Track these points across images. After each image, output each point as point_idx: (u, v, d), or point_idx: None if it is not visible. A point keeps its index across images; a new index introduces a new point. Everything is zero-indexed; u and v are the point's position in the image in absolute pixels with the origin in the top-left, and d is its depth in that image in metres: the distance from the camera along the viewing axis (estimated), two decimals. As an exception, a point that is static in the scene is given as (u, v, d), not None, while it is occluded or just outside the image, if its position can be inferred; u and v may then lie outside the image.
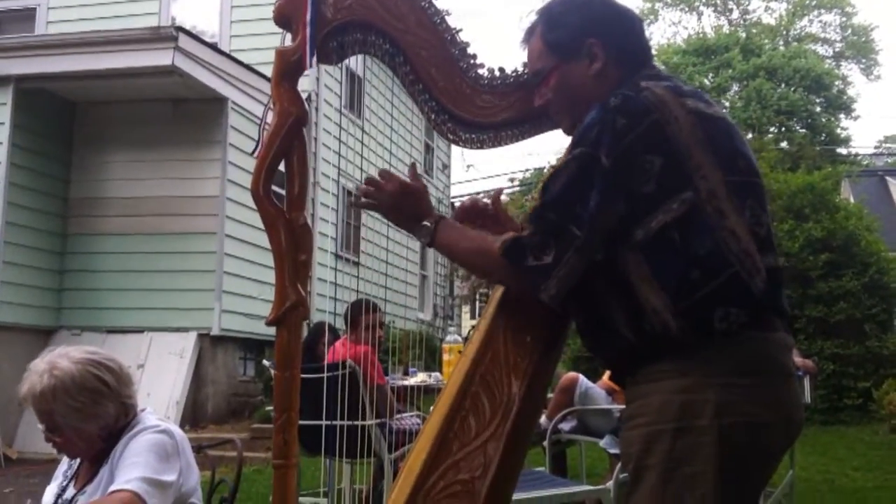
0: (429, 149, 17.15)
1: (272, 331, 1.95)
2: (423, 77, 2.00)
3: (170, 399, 9.32)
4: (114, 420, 2.34)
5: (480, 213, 2.16)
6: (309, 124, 11.66)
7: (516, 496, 3.16)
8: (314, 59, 1.94)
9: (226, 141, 10.19)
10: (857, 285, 11.03)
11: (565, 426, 5.39)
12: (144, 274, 10.15)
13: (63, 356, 2.32)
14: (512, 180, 27.37)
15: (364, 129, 12.25)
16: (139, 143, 10.47)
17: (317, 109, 12.05)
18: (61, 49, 9.59)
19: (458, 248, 1.94)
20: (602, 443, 5.05)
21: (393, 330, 9.58)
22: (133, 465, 2.23)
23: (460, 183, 32.12)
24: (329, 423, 4.30)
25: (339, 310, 6.00)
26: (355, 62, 11.63)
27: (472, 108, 2.02)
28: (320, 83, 12.10)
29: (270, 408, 1.98)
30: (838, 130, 30.13)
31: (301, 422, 4.42)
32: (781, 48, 31.11)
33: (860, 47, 34.11)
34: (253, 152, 1.97)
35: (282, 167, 1.98)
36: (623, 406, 1.91)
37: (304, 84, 11.54)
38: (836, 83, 30.33)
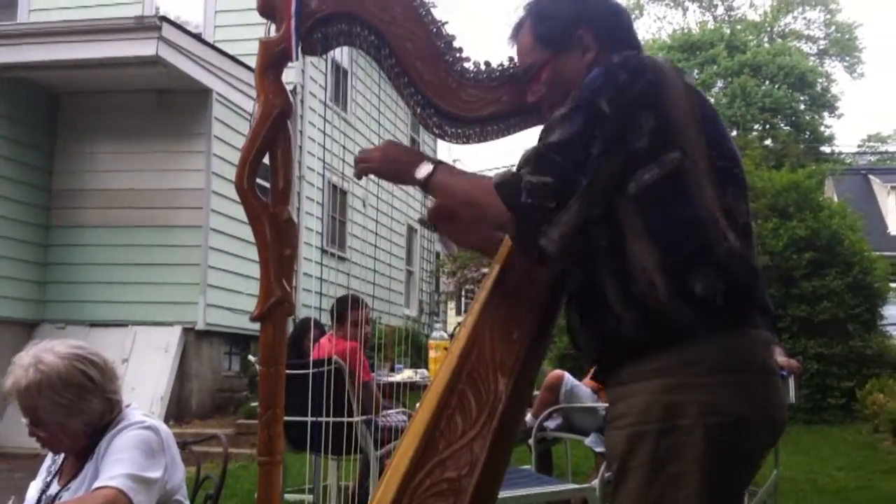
0: (415, 143, 17.12)
1: (258, 326, 1.93)
2: (408, 70, 1.98)
3: (154, 394, 9.27)
4: (99, 416, 2.32)
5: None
6: (294, 117, 11.63)
7: (502, 495, 3.14)
8: (299, 50, 1.92)
9: (210, 133, 10.14)
10: (841, 285, 11.10)
11: (551, 424, 5.39)
12: (129, 267, 10.09)
13: (48, 350, 2.29)
14: (498, 175, 27.43)
15: (350, 122, 12.25)
16: (123, 134, 10.40)
17: (302, 102, 12.01)
18: (44, 38, 9.51)
19: (456, 186, 1.88)
20: (587, 441, 5.05)
21: (379, 326, 9.57)
22: (118, 462, 2.21)
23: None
24: (315, 419, 4.28)
25: (325, 305, 5.98)
26: (342, 55, 11.62)
27: (458, 102, 2.00)
28: (306, 75, 12.06)
29: (255, 403, 1.96)
30: (822, 128, 30.32)
31: (287, 418, 4.41)
32: (766, 45, 31.27)
33: (844, 45, 34.34)
34: (244, 147, 1.95)
35: (267, 160, 1.95)
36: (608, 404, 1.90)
37: (290, 76, 11.49)
38: (820, 81, 30.52)
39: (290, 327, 6.45)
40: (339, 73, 12.74)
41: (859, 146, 36.67)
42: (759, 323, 1.75)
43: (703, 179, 1.71)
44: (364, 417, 4.67)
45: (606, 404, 1.91)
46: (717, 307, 1.67)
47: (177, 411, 9.71)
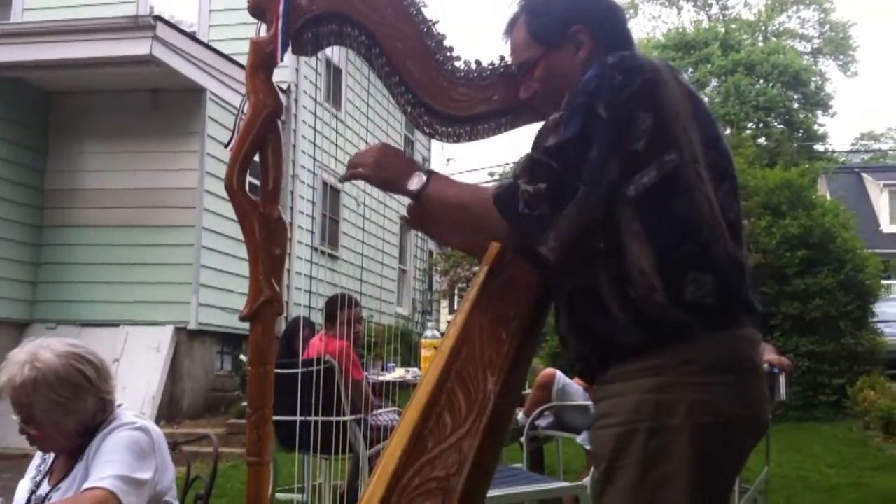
0: (409, 142, 17.12)
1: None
2: (399, 69, 1.98)
3: (146, 394, 9.24)
4: (92, 416, 2.32)
5: None
6: (288, 116, 11.63)
7: (494, 493, 3.16)
8: (287, 51, 1.92)
9: (204, 132, 10.12)
10: (833, 282, 11.10)
11: (542, 422, 5.39)
12: (121, 267, 10.06)
13: (45, 348, 2.28)
14: (492, 175, 27.40)
15: (344, 121, 12.25)
16: (116, 134, 10.37)
17: (296, 101, 11.99)
18: (37, 37, 9.49)
19: (450, 198, 1.86)
20: (579, 439, 5.05)
21: (371, 325, 9.56)
22: (108, 463, 2.21)
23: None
24: (305, 418, 4.28)
25: (317, 304, 5.97)
26: (335, 54, 11.60)
27: (449, 100, 2.00)
28: (300, 74, 12.04)
29: (247, 403, 1.96)
30: (816, 127, 30.38)
31: (278, 417, 4.40)
32: (760, 44, 31.33)
33: (838, 44, 34.42)
34: (227, 144, 1.94)
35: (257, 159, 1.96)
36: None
37: (284, 75, 11.49)
38: (814, 79, 30.60)
39: (283, 326, 6.45)
40: (334, 73, 12.73)
41: (852, 144, 36.80)
42: (745, 322, 1.76)
43: (700, 179, 1.71)
44: (355, 416, 4.67)
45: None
46: (707, 309, 1.68)
47: (168, 411, 9.69)
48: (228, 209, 1.94)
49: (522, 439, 5.17)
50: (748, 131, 26.66)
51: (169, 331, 9.85)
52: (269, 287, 1.90)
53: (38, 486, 2.41)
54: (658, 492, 1.65)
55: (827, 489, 6.63)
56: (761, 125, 28.23)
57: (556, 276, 1.83)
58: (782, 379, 4.76)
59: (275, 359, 1.97)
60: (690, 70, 29.62)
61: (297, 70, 11.92)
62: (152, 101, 10.29)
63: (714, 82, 29.60)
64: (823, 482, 6.91)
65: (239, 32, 10.32)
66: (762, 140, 25.62)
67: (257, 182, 1.92)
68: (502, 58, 2.01)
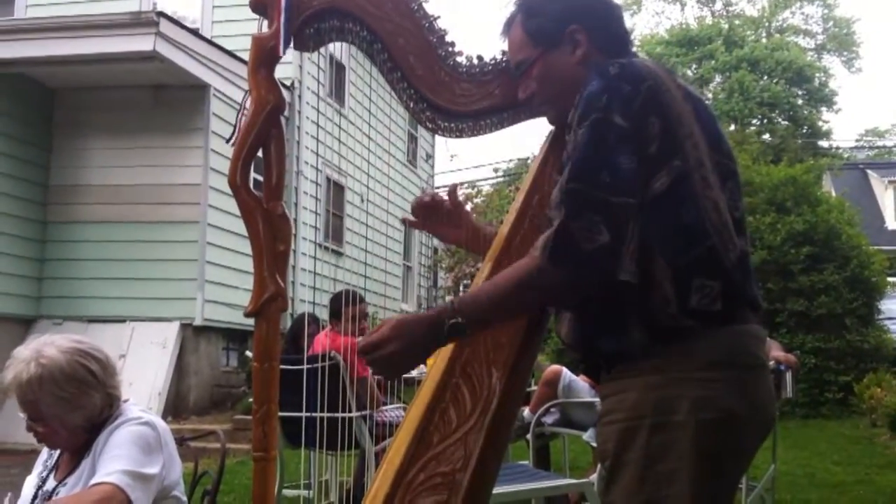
0: (412, 138, 17.12)
1: (256, 321, 1.93)
2: (401, 65, 1.98)
3: (152, 390, 9.26)
4: (98, 411, 2.32)
5: (437, 207, 2.15)
6: (292, 112, 11.62)
7: (501, 490, 3.15)
8: (289, 46, 1.91)
9: (208, 128, 10.13)
10: (839, 279, 11.10)
11: (549, 419, 5.38)
12: (126, 263, 10.09)
13: (49, 344, 2.28)
14: (496, 171, 27.41)
15: (347, 117, 12.24)
16: (120, 130, 10.39)
17: (300, 97, 12.00)
18: (41, 34, 9.49)
19: (498, 299, 1.71)
20: (585, 436, 5.04)
21: (376, 321, 9.56)
22: (115, 458, 2.21)
23: (444, 173, 32.16)
24: (312, 415, 4.27)
25: (322, 300, 5.97)
26: (339, 50, 11.60)
27: (451, 96, 2.00)
28: (303, 71, 12.05)
29: (253, 399, 1.96)
30: (820, 123, 30.36)
31: (285, 413, 4.40)
32: (764, 40, 31.29)
33: (842, 40, 34.35)
34: (229, 140, 1.94)
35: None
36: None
37: (287, 71, 11.49)
38: (818, 75, 30.55)
39: (288, 323, 6.44)
40: (337, 69, 12.72)
41: (857, 141, 36.71)
42: (749, 318, 1.75)
43: (707, 184, 1.70)
44: (361, 413, 4.67)
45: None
46: (713, 314, 1.67)
47: (175, 407, 9.71)
48: (233, 205, 1.93)
49: (529, 436, 5.16)
50: (752, 128, 26.68)
51: (175, 327, 9.88)
52: (273, 283, 1.90)
53: (44, 481, 2.42)
54: (661, 488, 1.65)
55: (833, 486, 6.62)
56: (765, 121, 28.22)
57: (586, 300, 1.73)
58: (788, 376, 4.74)
59: (280, 355, 1.96)
60: (694, 66, 29.61)
61: (300, 66, 11.93)
62: (156, 98, 10.30)
63: (718, 78, 29.59)
64: (830, 479, 6.90)
65: (242, 28, 10.30)
66: (766, 136, 25.64)
67: (261, 178, 1.91)
68: (504, 53, 2.01)
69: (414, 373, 5.69)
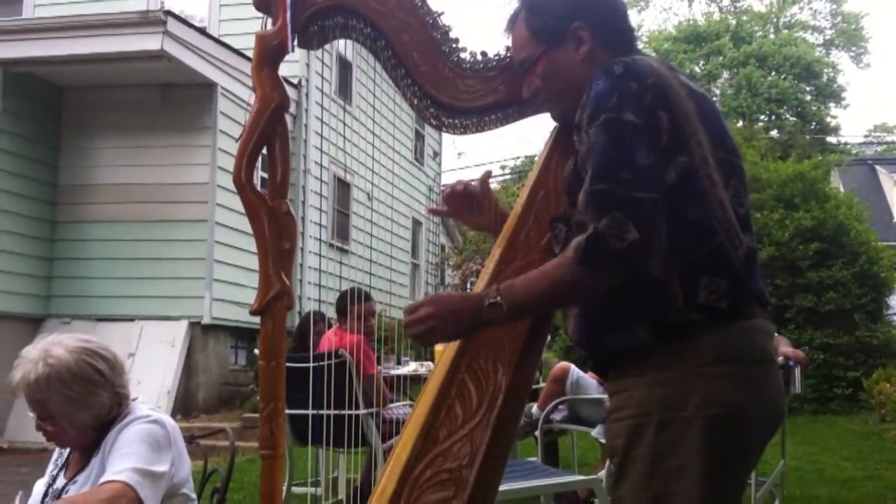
0: (419, 136, 17.11)
1: (263, 319, 1.93)
2: (404, 61, 1.98)
3: (161, 388, 9.28)
4: (107, 410, 2.32)
5: (468, 195, 2.15)
6: (299, 110, 11.63)
7: (510, 486, 3.16)
8: (294, 43, 1.92)
9: (215, 127, 10.14)
10: (847, 275, 11.07)
11: (557, 416, 5.38)
12: (134, 262, 10.11)
13: (57, 344, 2.29)
14: (503, 168, 27.41)
15: (354, 115, 12.24)
16: (128, 129, 10.41)
17: (307, 95, 12.01)
18: (49, 33, 9.52)
19: (537, 294, 1.74)
20: (594, 432, 5.04)
21: (384, 319, 9.56)
22: (125, 456, 2.21)
23: (451, 171, 32.15)
24: (320, 412, 4.28)
25: (328, 298, 5.97)
26: (346, 48, 11.61)
27: (455, 92, 2.00)
28: (310, 69, 12.05)
29: (260, 397, 1.96)
30: (828, 119, 30.26)
31: (293, 411, 4.41)
32: (772, 36, 31.18)
33: (850, 35, 34.21)
34: (238, 139, 1.94)
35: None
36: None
37: (294, 70, 11.50)
38: (827, 71, 30.45)
39: (295, 321, 6.45)
40: (343, 66, 12.72)
41: (865, 136, 36.57)
42: (757, 313, 1.75)
43: (712, 181, 1.70)
44: (369, 410, 4.67)
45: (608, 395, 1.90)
46: (720, 310, 1.67)
47: (183, 405, 9.74)
48: (240, 204, 1.93)
49: (537, 433, 5.16)
50: (760, 124, 26.59)
51: (183, 325, 9.90)
52: (278, 281, 1.90)
53: (54, 479, 2.43)
54: (670, 483, 1.65)
55: (843, 482, 6.60)
56: (773, 117, 28.14)
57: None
58: (797, 372, 4.74)
59: (287, 353, 1.96)
60: (702, 62, 29.54)
61: (307, 64, 11.93)
62: (163, 97, 10.32)
63: (726, 74, 29.51)
64: (839, 475, 6.88)
65: (249, 27, 10.22)
66: (774, 132, 25.56)
67: (266, 176, 1.92)
68: (508, 49, 2.01)
69: (421, 370, 5.70)
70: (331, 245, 12.04)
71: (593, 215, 1.63)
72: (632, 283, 1.66)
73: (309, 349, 5.22)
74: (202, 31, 10.26)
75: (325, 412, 4.28)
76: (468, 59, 2.01)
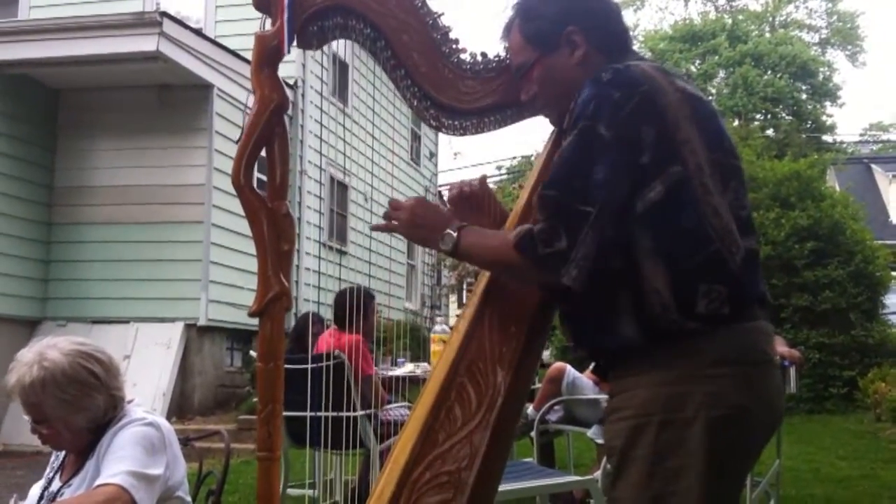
0: (416, 136, 17.10)
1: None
2: (404, 62, 1.98)
3: (156, 390, 9.27)
4: (102, 412, 2.32)
5: (470, 196, 2.15)
6: (295, 111, 11.61)
7: (505, 487, 3.15)
8: (292, 44, 1.91)
9: (212, 128, 10.14)
10: (843, 274, 11.08)
11: (552, 416, 5.38)
12: (130, 264, 10.10)
13: (52, 347, 2.29)
14: (499, 168, 27.41)
15: (351, 116, 12.24)
16: (124, 131, 10.40)
17: (303, 96, 12.00)
18: (44, 35, 9.51)
19: (480, 252, 1.88)
20: (590, 433, 5.05)
21: (381, 320, 9.55)
22: (119, 459, 2.21)
23: (448, 171, 32.16)
24: (316, 414, 4.28)
25: (326, 299, 5.96)
26: (342, 48, 11.60)
27: (455, 93, 2.00)
28: (306, 69, 12.05)
29: (257, 399, 1.96)
30: (824, 118, 30.26)
31: (289, 413, 4.40)
32: (768, 35, 31.19)
33: (846, 34, 34.22)
34: (238, 141, 1.94)
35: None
36: (611, 396, 1.91)
37: (290, 70, 11.48)
38: (822, 70, 30.45)
39: (292, 322, 6.44)
40: (340, 67, 12.71)
41: (861, 135, 36.60)
42: (758, 315, 1.76)
43: (706, 189, 1.70)
44: (366, 412, 4.67)
45: (608, 396, 1.91)
46: (722, 316, 1.68)
47: (179, 407, 9.72)
48: (237, 205, 1.93)
49: (533, 433, 5.17)
50: (756, 123, 26.62)
51: (179, 327, 9.89)
52: (277, 283, 1.90)
53: (50, 482, 2.43)
54: (670, 484, 1.65)
55: (838, 481, 6.61)
56: (769, 116, 28.14)
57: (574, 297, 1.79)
58: (792, 371, 4.75)
59: (284, 354, 1.96)
60: (697, 62, 29.55)
61: (303, 65, 11.92)
62: (160, 98, 10.31)
63: (721, 74, 29.50)
64: (835, 474, 6.89)
65: (245, 28, 10.27)
66: (770, 131, 25.57)
67: (264, 178, 1.92)
68: (507, 50, 2.01)
69: (417, 371, 5.70)
70: (328, 246, 12.03)
71: (538, 216, 1.72)
72: (611, 285, 1.69)
73: (305, 350, 5.21)
74: (198, 33, 10.25)
75: (321, 414, 4.27)
76: (468, 60, 2.01)
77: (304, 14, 1.92)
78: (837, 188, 16.76)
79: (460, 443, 1.84)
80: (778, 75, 28.43)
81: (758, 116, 27.91)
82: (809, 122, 29.11)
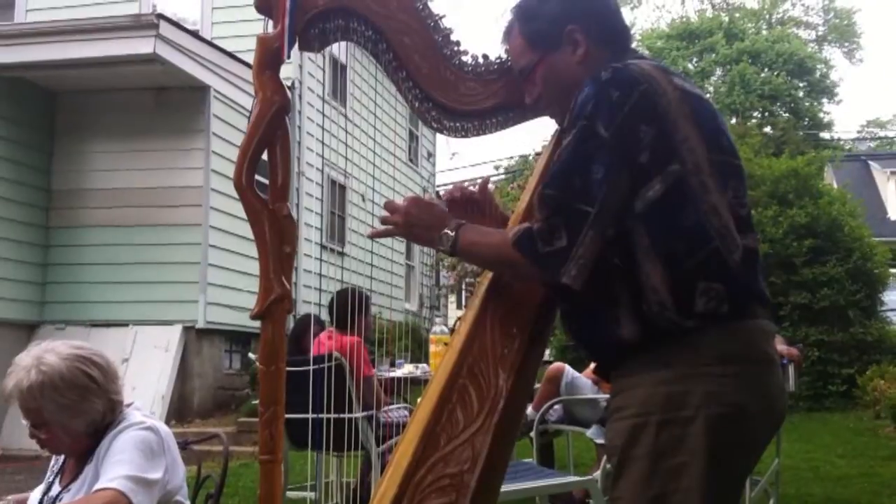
0: (413, 137, 17.10)
1: (258, 323, 1.92)
2: (406, 64, 1.97)
3: (155, 393, 9.27)
4: (101, 416, 2.32)
5: (468, 201, 2.15)
6: (293, 113, 11.61)
7: (504, 488, 3.15)
8: (293, 47, 1.91)
9: (209, 130, 10.13)
10: (841, 271, 11.09)
11: (552, 416, 5.39)
12: (129, 266, 10.09)
13: (50, 351, 2.28)
14: (497, 168, 27.43)
15: (349, 117, 12.23)
16: (121, 133, 10.39)
17: (300, 98, 11.99)
18: (41, 37, 9.50)
19: (479, 251, 1.90)
20: (589, 433, 5.05)
21: (379, 321, 9.55)
22: (118, 463, 2.21)
23: (445, 171, 32.17)
24: (315, 416, 4.27)
25: (325, 301, 5.95)
26: (339, 50, 11.61)
27: (457, 95, 2.00)
28: (304, 71, 12.04)
29: (257, 401, 1.96)
30: (821, 115, 30.30)
31: (288, 415, 4.39)
32: (764, 32, 31.20)
33: (843, 31, 34.27)
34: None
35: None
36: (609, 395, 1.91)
37: (288, 72, 11.46)
38: (819, 67, 30.47)
39: (291, 324, 6.43)
40: (338, 69, 12.71)
41: (858, 132, 36.66)
42: (759, 313, 1.76)
43: (705, 188, 1.70)
44: (365, 413, 4.66)
45: (607, 395, 1.91)
46: (721, 315, 1.68)
47: (178, 410, 9.72)
48: (235, 207, 1.93)
49: (532, 434, 5.17)
50: (754, 120, 26.63)
51: (177, 330, 9.88)
52: (279, 285, 1.90)
53: (49, 486, 2.42)
54: (670, 482, 1.65)
55: (837, 479, 6.62)
56: (767, 114, 28.15)
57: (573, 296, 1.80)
58: (791, 370, 4.76)
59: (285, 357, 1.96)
60: (695, 60, 29.56)
61: (301, 67, 11.92)
62: (157, 100, 10.30)
63: (719, 72, 29.52)
64: (834, 472, 6.90)
65: (241, 29, 10.34)
66: (768, 129, 25.55)
67: (263, 180, 1.91)
68: (508, 53, 2.00)
69: (418, 372, 5.69)
70: (327, 248, 12.02)
71: (538, 215, 1.74)
72: (610, 284, 1.70)
73: (303, 352, 5.21)
74: (195, 35, 10.24)
75: (321, 416, 4.27)
76: (469, 61, 2.01)
77: (305, 16, 1.92)
78: (835, 185, 16.75)
79: (462, 445, 1.84)
80: (775, 73, 28.45)
81: (755, 114, 27.93)
82: (807, 120, 29.14)
